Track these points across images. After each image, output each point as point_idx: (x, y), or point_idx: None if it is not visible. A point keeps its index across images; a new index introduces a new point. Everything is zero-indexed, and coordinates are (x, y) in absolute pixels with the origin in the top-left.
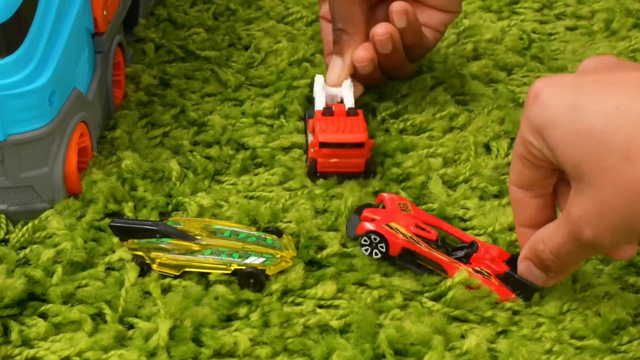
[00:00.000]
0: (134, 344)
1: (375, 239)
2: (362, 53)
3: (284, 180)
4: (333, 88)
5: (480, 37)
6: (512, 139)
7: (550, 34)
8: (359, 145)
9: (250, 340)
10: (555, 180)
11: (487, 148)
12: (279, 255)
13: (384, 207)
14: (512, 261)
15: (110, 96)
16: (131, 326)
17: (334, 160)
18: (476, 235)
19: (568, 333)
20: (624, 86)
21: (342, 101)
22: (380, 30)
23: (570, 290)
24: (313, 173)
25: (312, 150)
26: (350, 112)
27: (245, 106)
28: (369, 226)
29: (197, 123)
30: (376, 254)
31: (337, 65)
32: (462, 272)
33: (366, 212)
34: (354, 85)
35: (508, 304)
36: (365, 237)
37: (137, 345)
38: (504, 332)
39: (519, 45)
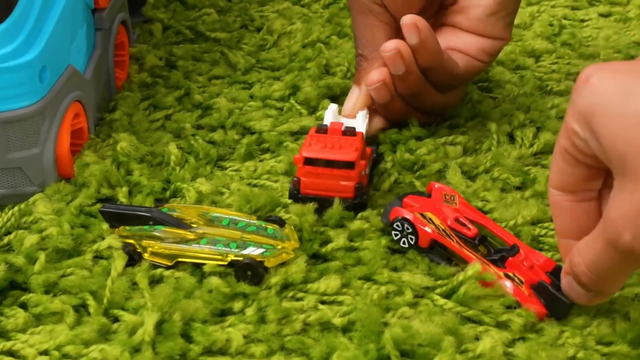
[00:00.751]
0: (117, 339)
1: (407, 228)
2: (374, 75)
3: (290, 171)
4: (346, 119)
5: None
6: (538, 128)
7: (583, 21)
8: (348, 165)
9: (245, 337)
10: (602, 184)
11: (511, 138)
12: (280, 247)
13: (430, 196)
14: (557, 273)
15: (112, 76)
16: (117, 319)
17: (319, 181)
18: None
19: (594, 339)
20: None
21: None
22: (389, 45)
23: None
24: (295, 194)
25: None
26: (347, 132)
27: (254, 89)
28: (401, 212)
29: (202, 106)
30: (404, 243)
31: (354, 95)
32: (475, 265)
33: (407, 199)
34: (374, 118)
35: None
36: (397, 223)
37: (120, 339)
38: (522, 338)
39: (548, 31)
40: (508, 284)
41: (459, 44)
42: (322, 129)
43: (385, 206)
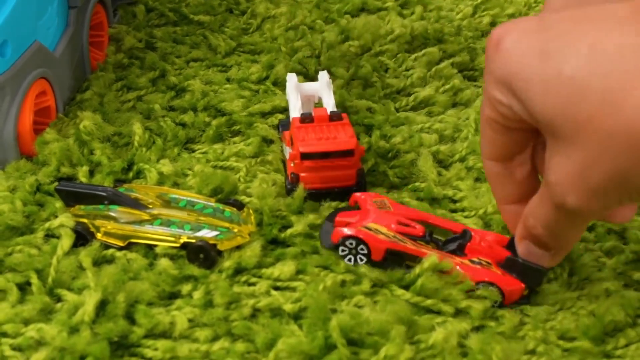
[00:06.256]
0: (57, 318)
1: (352, 243)
2: None
3: (259, 152)
4: (309, 86)
5: (500, 11)
6: None
7: None
8: (348, 153)
9: (190, 320)
10: (534, 143)
11: None
12: (235, 230)
13: (358, 208)
14: (513, 245)
15: (86, 56)
16: (62, 299)
17: (319, 174)
18: (466, 217)
19: (556, 333)
20: (597, 22)
21: (320, 102)
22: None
23: (565, 284)
24: (294, 191)
25: (291, 164)
26: (334, 117)
27: (231, 72)
28: (345, 231)
29: (176, 88)
30: (361, 260)
31: None
32: (430, 257)
33: (340, 217)
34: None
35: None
36: (342, 247)
37: (60, 319)
38: (481, 328)
39: None
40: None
41: None
42: (306, 118)
43: (320, 231)
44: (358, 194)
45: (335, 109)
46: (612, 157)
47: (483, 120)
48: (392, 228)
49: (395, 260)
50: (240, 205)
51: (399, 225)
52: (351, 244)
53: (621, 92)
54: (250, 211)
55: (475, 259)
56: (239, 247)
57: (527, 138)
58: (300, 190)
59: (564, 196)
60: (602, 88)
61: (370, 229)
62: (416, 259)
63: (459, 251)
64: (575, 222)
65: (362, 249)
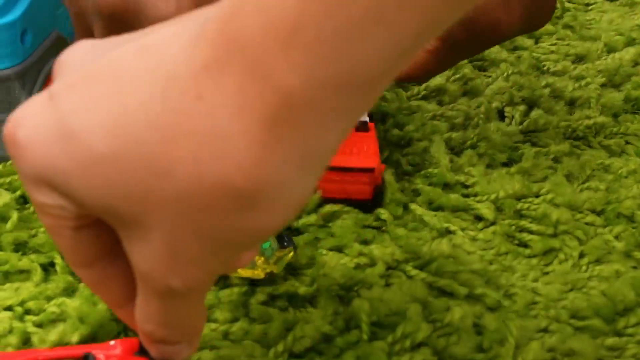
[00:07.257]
0: (79, 294)
1: None
2: None
3: None
4: None
5: None
6: (530, 107)
7: (587, 5)
8: (369, 170)
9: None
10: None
11: (502, 115)
12: (257, 262)
13: None
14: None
15: None
16: None
17: (335, 186)
18: (478, 202)
19: (568, 312)
20: (109, 78)
21: None
22: None
23: (576, 266)
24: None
25: None
26: (360, 127)
27: None
28: None
29: None
30: None
31: None
32: None
33: None
34: None
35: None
36: None
37: (82, 295)
38: (496, 308)
39: None
40: None
41: None
42: None
43: None
44: None
45: (364, 118)
46: (189, 226)
47: (48, 230)
48: None
49: None
50: (291, 243)
51: None
52: None
53: (164, 156)
54: (290, 255)
55: None
56: None
57: (103, 230)
58: (316, 197)
59: (166, 282)
60: (145, 158)
61: None
62: None
63: None
64: (190, 302)
65: None
